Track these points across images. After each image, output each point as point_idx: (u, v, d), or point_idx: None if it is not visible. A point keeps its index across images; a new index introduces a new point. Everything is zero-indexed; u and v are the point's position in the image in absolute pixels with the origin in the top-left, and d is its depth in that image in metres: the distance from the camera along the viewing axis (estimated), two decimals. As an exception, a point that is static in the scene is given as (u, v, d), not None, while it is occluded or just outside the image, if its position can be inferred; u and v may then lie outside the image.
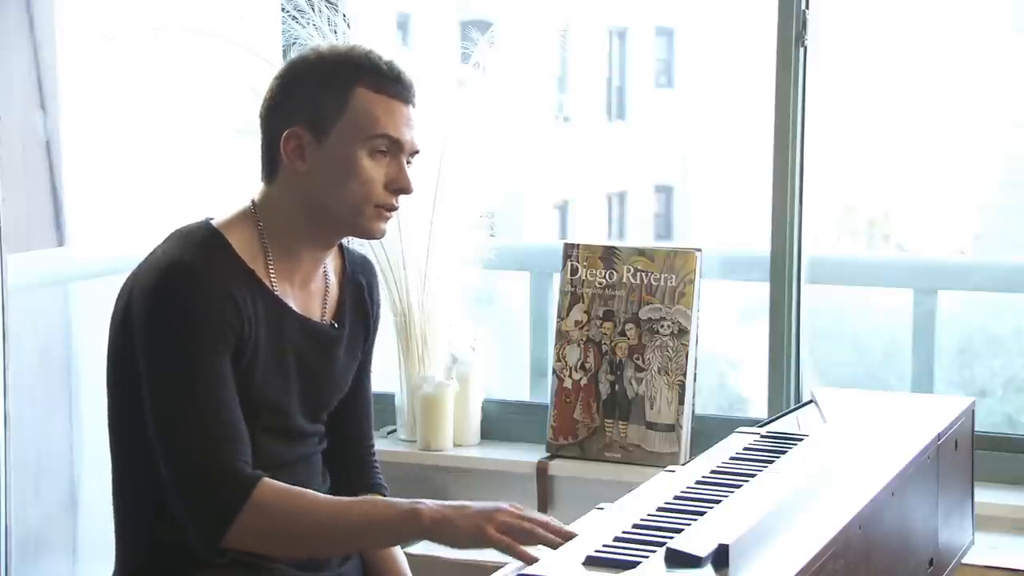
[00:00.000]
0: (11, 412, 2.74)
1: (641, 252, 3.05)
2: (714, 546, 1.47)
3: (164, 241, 2.01)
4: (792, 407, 2.51)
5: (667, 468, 1.93)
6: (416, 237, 3.14)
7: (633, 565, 1.48)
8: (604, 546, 1.56)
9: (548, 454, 3.10)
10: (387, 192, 2.00)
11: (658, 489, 1.81)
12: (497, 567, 1.75)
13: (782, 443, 2.02)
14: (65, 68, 3.09)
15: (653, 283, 3.02)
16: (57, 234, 3.12)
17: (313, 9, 3.09)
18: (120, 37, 3.16)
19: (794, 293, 3.01)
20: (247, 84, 3.06)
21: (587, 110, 11.27)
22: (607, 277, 3.06)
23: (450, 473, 3.17)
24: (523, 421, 3.23)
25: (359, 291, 2.17)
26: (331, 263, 2.14)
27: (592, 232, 12.27)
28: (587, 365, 3.07)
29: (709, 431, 2.85)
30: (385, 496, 2.23)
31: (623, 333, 3.04)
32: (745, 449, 2.00)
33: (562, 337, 3.10)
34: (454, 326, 3.23)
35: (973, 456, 2.25)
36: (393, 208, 2.02)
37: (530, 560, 1.74)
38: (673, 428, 2.99)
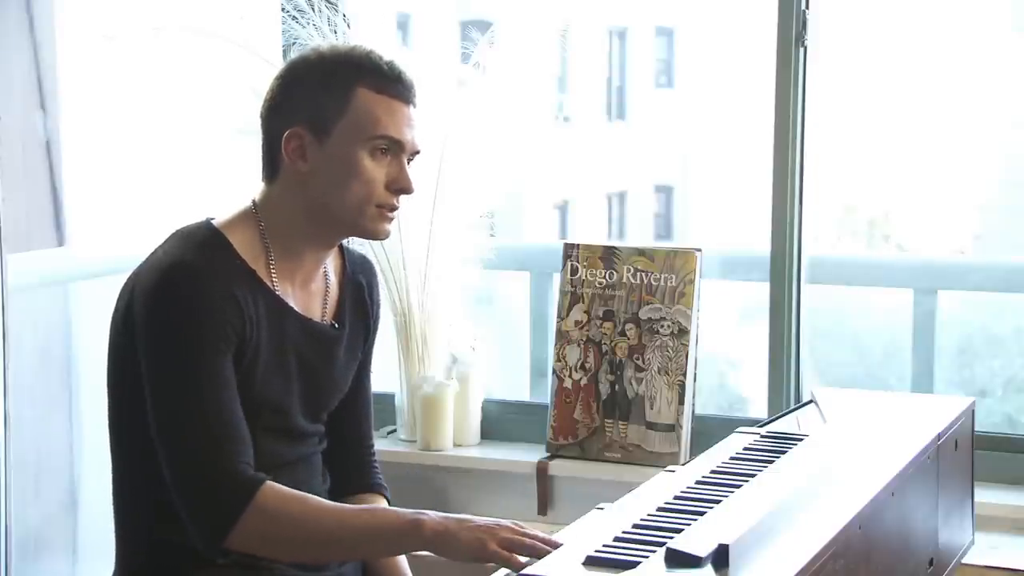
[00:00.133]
0: (11, 412, 2.73)
1: (641, 252, 3.05)
2: (714, 546, 1.47)
3: (165, 241, 2.01)
4: (792, 407, 2.51)
5: (667, 468, 1.93)
6: (416, 237, 3.14)
7: (633, 565, 1.48)
8: (604, 546, 1.56)
9: (548, 454, 3.10)
10: (388, 192, 2.00)
11: (658, 489, 1.81)
12: (499, 568, 1.75)
13: (782, 443, 2.02)
14: (65, 68, 3.09)
15: (653, 283, 3.02)
16: (57, 234, 3.12)
17: (313, 9, 3.09)
18: (120, 37, 3.16)
19: (794, 293, 3.01)
20: (247, 84, 3.06)
21: (587, 110, 11.27)
22: (607, 277, 3.06)
23: (450, 473, 3.17)
24: (523, 421, 3.23)
25: (359, 291, 2.17)
26: (331, 263, 2.14)
27: (592, 232, 12.27)
28: (587, 365, 3.07)
29: (709, 431, 2.85)
30: (386, 496, 2.23)
31: (623, 333, 3.04)
32: (745, 449, 2.00)
33: (562, 337, 3.10)
34: (454, 326, 3.23)
35: (973, 456, 2.25)
36: (394, 208, 2.02)
37: (518, 565, 1.75)
38: (673, 428, 2.99)
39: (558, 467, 3.07)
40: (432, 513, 1.86)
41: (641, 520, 1.66)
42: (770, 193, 3.00)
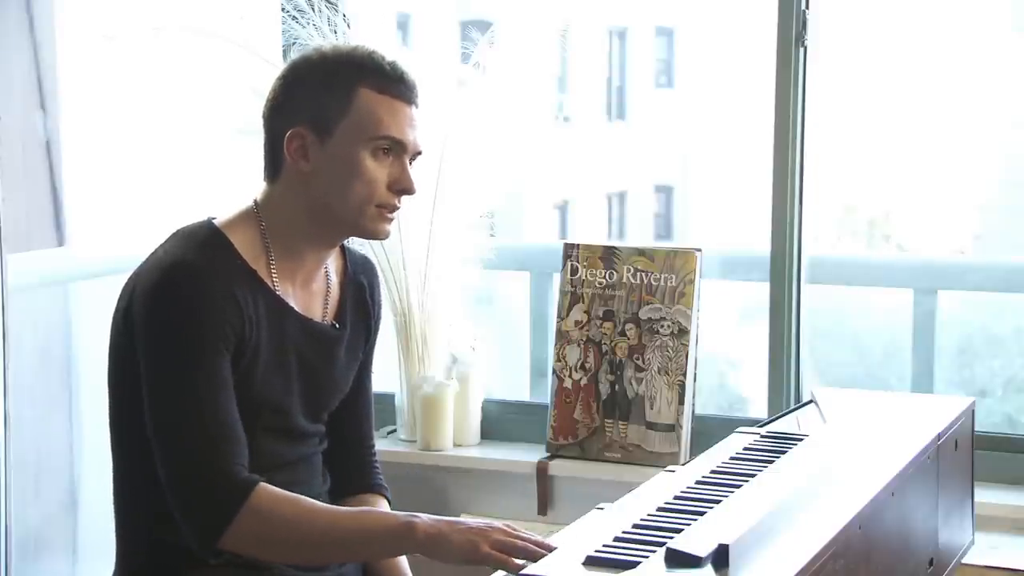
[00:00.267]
0: (11, 412, 2.73)
1: (641, 252, 3.05)
2: (714, 546, 1.47)
3: (166, 241, 2.01)
4: (792, 407, 2.51)
5: (667, 468, 1.93)
6: (416, 237, 3.14)
7: (633, 565, 1.48)
8: (604, 546, 1.56)
9: (548, 454, 3.10)
10: (390, 192, 2.00)
11: (658, 489, 1.81)
12: (499, 568, 1.75)
13: (782, 443, 2.02)
14: (65, 68, 3.09)
15: (653, 283, 3.02)
16: (57, 234, 3.12)
17: (313, 9, 3.09)
18: (120, 37, 3.16)
19: (794, 293, 3.01)
20: (247, 84, 3.06)
21: (587, 110, 11.27)
22: (607, 277, 3.06)
23: (450, 473, 3.17)
24: (523, 421, 3.23)
25: (360, 292, 2.17)
26: (333, 263, 2.14)
27: (592, 232, 12.27)
28: (587, 365, 3.07)
29: (709, 431, 2.85)
30: (386, 497, 2.23)
31: (623, 333, 3.04)
32: (745, 449, 2.00)
33: (562, 337, 3.10)
34: (454, 326, 3.23)
35: (973, 456, 2.25)
36: (395, 208, 2.02)
37: (514, 567, 1.75)
38: (673, 428, 2.99)
39: (558, 467, 3.07)
40: (424, 515, 1.86)
41: (641, 520, 1.66)
42: (770, 193, 3.00)
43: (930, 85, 9.41)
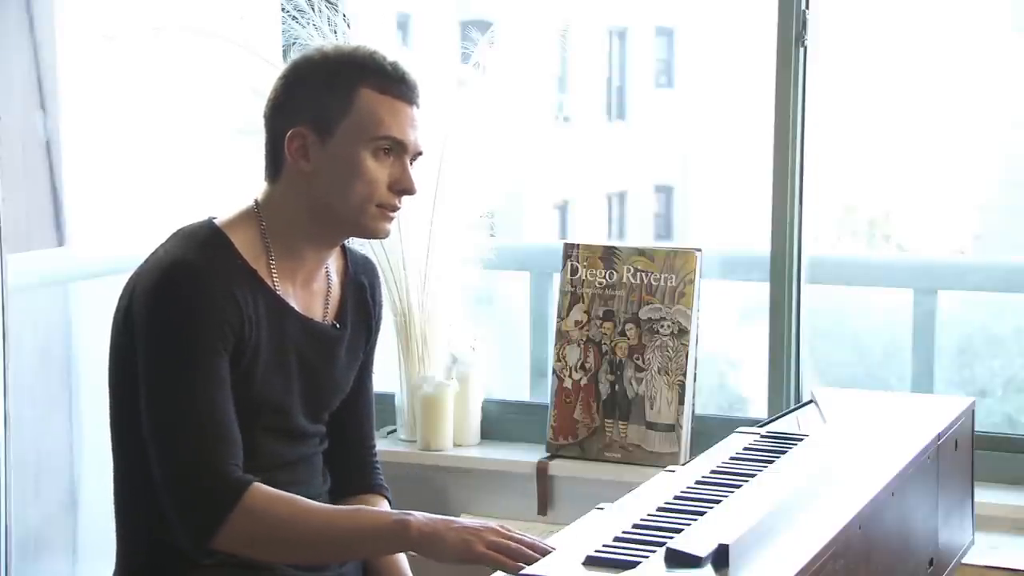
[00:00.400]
0: (11, 412, 2.73)
1: (641, 252, 3.05)
2: (714, 546, 1.47)
3: (167, 240, 2.01)
4: (792, 407, 2.51)
5: (667, 468, 1.93)
6: (416, 237, 3.14)
7: (633, 565, 1.48)
8: (604, 546, 1.56)
9: (548, 454, 3.10)
10: (390, 192, 2.01)
11: (658, 489, 1.81)
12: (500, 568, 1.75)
13: (782, 443, 2.02)
14: (65, 68, 3.09)
15: (653, 283, 3.02)
16: (57, 234, 3.12)
17: (313, 9, 3.09)
18: (120, 37, 3.16)
19: (794, 293, 3.01)
20: (247, 84, 3.06)
21: (587, 110, 11.27)
22: (607, 277, 3.06)
23: (450, 473, 3.16)
24: (523, 421, 3.23)
25: (361, 292, 2.17)
26: (333, 263, 2.14)
27: (592, 232, 12.27)
28: (587, 365, 3.07)
29: (709, 431, 2.85)
30: (387, 497, 2.23)
31: (623, 333, 3.04)
32: (745, 449, 2.00)
33: (562, 337, 3.10)
34: (454, 326, 3.23)
35: (973, 456, 2.25)
36: (396, 208, 2.02)
37: (513, 568, 1.75)
38: (673, 428, 2.99)
39: (558, 467, 3.07)
40: (419, 514, 1.86)
41: (641, 520, 1.66)
42: (770, 193, 3.00)
43: (930, 85, 9.41)
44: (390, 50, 2.09)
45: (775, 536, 1.56)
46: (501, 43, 3.10)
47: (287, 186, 2.02)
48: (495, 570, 1.79)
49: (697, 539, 1.51)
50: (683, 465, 2.00)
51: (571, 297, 3.09)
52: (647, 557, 1.50)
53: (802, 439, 2.04)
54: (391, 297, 3.13)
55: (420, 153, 2.05)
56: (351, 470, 2.21)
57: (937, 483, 2.03)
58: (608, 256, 3.07)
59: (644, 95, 12.20)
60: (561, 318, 3.10)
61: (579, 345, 3.08)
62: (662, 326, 3.00)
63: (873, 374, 8.26)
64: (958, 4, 9.73)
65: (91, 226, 3.17)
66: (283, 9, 3.17)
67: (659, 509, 1.71)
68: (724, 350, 8.39)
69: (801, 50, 2.96)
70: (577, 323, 3.08)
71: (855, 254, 7.64)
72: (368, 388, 2.23)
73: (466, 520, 1.86)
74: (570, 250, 3.10)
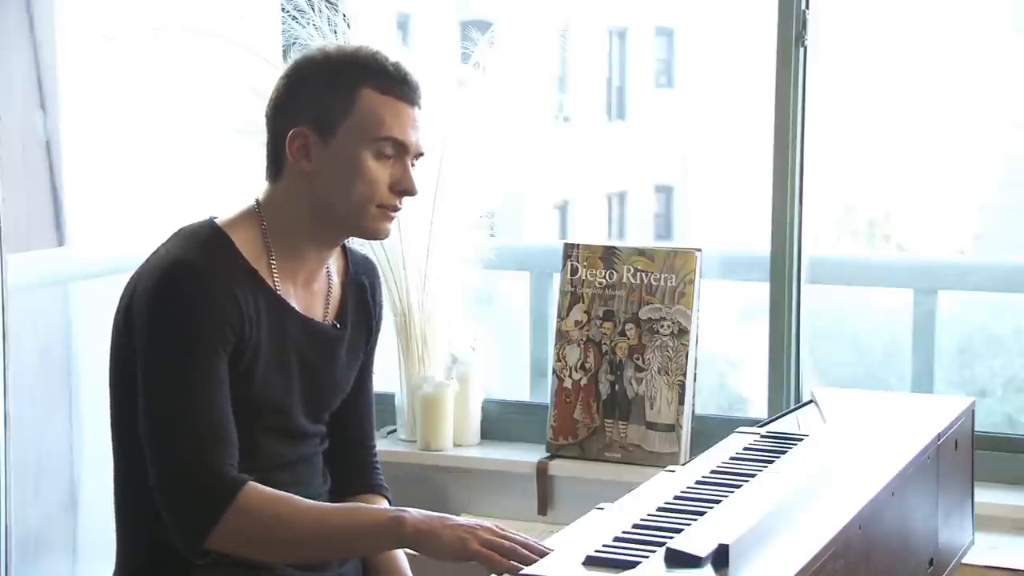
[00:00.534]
0: (11, 412, 2.73)
1: (641, 252, 3.05)
2: (714, 546, 1.47)
3: (168, 240, 2.01)
4: (792, 407, 2.51)
5: (667, 468, 1.93)
6: (416, 237, 3.14)
7: (633, 565, 1.48)
8: (604, 546, 1.56)
9: (548, 454, 3.10)
10: (391, 193, 2.00)
11: (658, 489, 1.81)
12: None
13: (782, 443, 2.02)
14: (65, 68, 3.09)
15: (653, 283, 3.02)
16: (57, 234, 3.12)
17: (313, 9, 3.09)
18: (120, 37, 3.16)
19: (794, 293, 3.01)
20: (247, 84, 3.06)
21: (587, 110, 11.27)
22: (607, 277, 3.06)
23: (450, 473, 3.16)
24: (523, 421, 3.23)
25: (362, 292, 2.17)
26: (334, 263, 2.14)
27: (592, 232, 12.27)
28: (587, 365, 3.07)
29: (709, 431, 2.85)
30: (387, 497, 2.23)
31: (623, 333, 3.04)
32: (745, 449, 2.00)
33: (562, 337, 3.10)
34: (454, 326, 3.23)
35: (973, 456, 2.25)
36: (396, 209, 2.02)
37: (514, 571, 1.76)
38: (673, 428, 2.99)
39: (558, 467, 3.07)
40: (414, 511, 1.86)
41: (641, 520, 1.66)
42: (770, 193, 3.00)
43: (930, 85, 9.41)
44: (391, 50, 2.09)
45: (775, 536, 1.56)
46: (501, 43, 3.10)
47: (288, 186, 2.02)
48: (492, 572, 1.79)
49: (697, 539, 1.51)
50: (683, 465, 2.00)
51: (571, 297, 3.09)
52: (647, 557, 1.50)
53: (802, 439, 2.04)
54: (391, 297, 3.13)
55: (421, 154, 2.05)
56: (351, 470, 2.21)
57: (937, 483, 2.03)
58: (608, 256, 3.07)
59: (644, 95, 12.20)
60: (561, 318, 3.10)
61: (579, 345, 3.08)
62: (662, 326, 3.00)
63: (873, 374, 8.26)
64: (958, 4, 9.73)
65: (91, 226, 3.17)
66: (283, 9, 3.17)
67: (659, 509, 1.71)
68: (724, 350, 8.39)
69: (801, 50, 2.96)
70: (577, 323, 3.08)
71: (855, 254, 7.64)
72: (368, 388, 2.23)
73: (462, 518, 1.86)
74: (570, 250, 3.10)
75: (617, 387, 3.04)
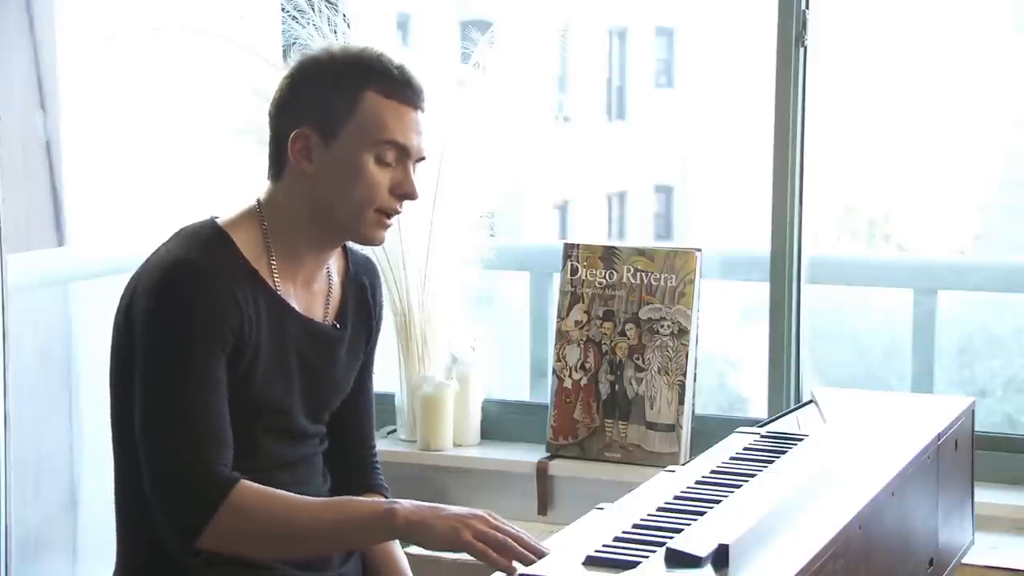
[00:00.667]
0: (11, 412, 2.73)
1: (641, 252, 3.05)
2: (714, 546, 1.47)
3: (169, 239, 2.01)
4: (792, 407, 2.51)
5: (667, 468, 1.93)
6: (416, 237, 3.14)
7: (633, 565, 1.48)
8: (604, 546, 1.56)
9: (548, 454, 3.10)
10: (392, 197, 2.00)
11: (658, 489, 1.81)
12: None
13: (782, 443, 2.02)
14: (65, 68, 3.09)
15: (653, 283, 3.02)
16: (57, 234, 3.12)
17: (313, 9, 3.09)
18: (120, 37, 3.16)
19: (794, 293, 3.01)
20: (247, 84, 3.06)
21: (587, 110, 11.27)
22: (607, 277, 3.06)
23: (450, 473, 3.17)
24: (523, 421, 3.23)
25: (362, 292, 2.17)
26: (334, 264, 2.14)
27: (592, 232, 12.27)
28: (587, 365, 3.07)
29: (709, 431, 2.85)
30: (387, 497, 2.23)
31: (623, 333, 3.04)
32: (745, 449, 2.00)
33: (562, 337, 3.10)
34: (454, 326, 3.23)
35: (973, 456, 2.25)
36: (396, 213, 2.02)
37: (504, 567, 1.78)
38: (673, 428, 2.99)
39: (558, 467, 3.07)
40: (406, 502, 1.87)
41: (641, 520, 1.66)
42: (770, 193, 3.00)
43: (930, 85, 9.41)
44: (395, 52, 2.08)
45: (775, 536, 1.56)
46: (501, 43, 3.10)
47: (289, 186, 2.02)
48: (493, 570, 1.79)
49: (697, 539, 1.51)
50: (683, 465, 2.00)
51: (571, 297, 3.09)
52: (647, 557, 1.50)
53: (802, 439, 2.03)
54: (391, 297, 3.13)
55: (423, 158, 2.04)
56: (351, 470, 2.21)
57: (937, 483, 2.03)
58: (608, 256, 3.07)
59: (644, 95, 12.21)
60: (561, 318, 3.10)
61: (579, 345, 3.08)
62: (662, 326, 3.00)
63: (873, 374, 8.26)
64: (958, 4, 9.74)
65: (91, 226, 3.17)
66: (283, 9, 3.17)
67: (659, 509, 1.71)
68: (724, 350, 8.39)
69: (801, 50, 2.96)
70: (577, 323, 3.08)
71: (855, 254, 7.64)
72: (368, 388, 2.23)
73: (455, 508, 1.86)
74: (570, 250, 3.10)
75: (617, 387, 3.04)
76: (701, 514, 1.66)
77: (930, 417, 2.10)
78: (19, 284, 2.81)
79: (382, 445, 2.75)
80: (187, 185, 3.23)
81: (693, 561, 1.47)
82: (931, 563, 2.02)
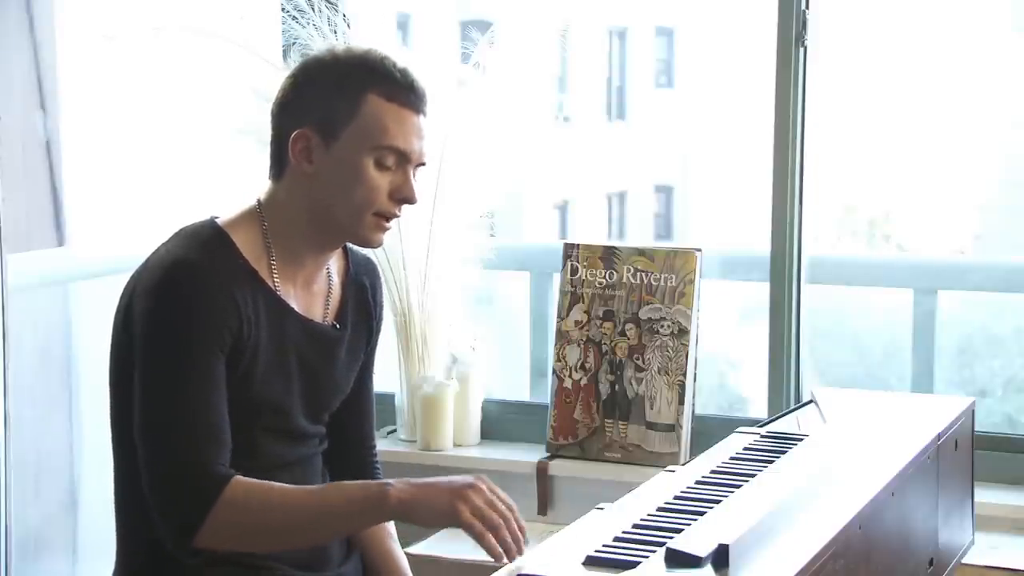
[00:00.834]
0: (11, 412, 2.73)
1: (641, 252, 3.05)
2: (714, 546, 1.47)
3: (169, 239, 2.01)
4: (792, 407, 2.51)
5: (667, 468, 1.93)
6: (416, 237, 3.14)
7: (633, 565, 1.48)
8: (604, 546, 1.56)
9: (548, 454, 3.10)
10: (391, 201, 2.00)
11: (658, 489, 1.81)
12: (498, 567, 1.75)
13: (782, 443, 2.02)
14: (65, 68, 3.09)
15: (653, 283, 3.02)
16: (57, 234, 3.12)
17: (313, 9, 3.09)
18: (120, 37, 3.16)
19: (794, 293, 3.01)
20: (247, 84, 3.06)
21: (587, 110, 11.27)
22: (607, 277, 3.06)
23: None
24: (523, 421, 3.23)
25: (362, 292, 2.17)
26: (334, 264, 2.14)
27: (592, 232, 12.27)
28: (587, 365, 3.07)
29: (709, 431, 2.85)
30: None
31: (623, 333, 3.04)
32: (745, 449, 2.00)
33: (562, 337, 3.10)
34: (454, 326, 3.23)
35: (973, 456, 2.25)
36: (394, 216, 2.02)
37: (498, 556, 1.79)
38: (673, 428, 2.99)
39: (558, 467, 3.07)
40: (397, 482, 1.86)
41: (641, 520, 1.66)
42: (770, 193, 3.00)
43: (930, 85, 9.41)
44: (399, 55, 2.07)
45: (775, 536, 1.56)
46: (501, 43, 3.10)
47: (289, 186, 2.01)
48: (492, 570, 1.79)
49: (697, 539, 1.51)
50: (683, 465, 2.00)
51: (571, 297, 3.09)
52: (647, 557, 1.50)
53: (802, 439, 2.04)
54: (391, 297, 3.13)
55: (423, 163, 2.04)
56: (351, 470, 2.20)
57: (937, 483, 2.03)
58: (608, 256, 3.07)
59: (644, 95, 12.20)
60: (561, 318, 3.10)
61: (579, 345, 3.08)
62: (662, 326, 3.00)
63: (873, 374, 8.26)
64: (958, 4, 9.74)
65: (91, 226, 3.17)
66: (283, 9, 3.17)
67: (659, 509, 1.71)
68: (724, 350, 8.39)
69: (801, 50, 2.96)
70: (577, 323, 3.08)
71: (855, 254, 7.64)
72: (368, 388, 2.23)
73: (445, 480, 1.85)
74: (570, 250, 3.10)
75: (617, 387, 3.04)
76: (701, 514, 1.66)
77: (930, 417, 2.10)
78: (19, 284, 2.81)
79: (382, 445, 2.75)
80: (187, 185, 3.23)
81: (693, 561, 1.47)
82: (931, 563, 2.02)
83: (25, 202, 3.01)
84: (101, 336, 2.05)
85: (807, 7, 2.94)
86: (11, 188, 2.84)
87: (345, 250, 2.17)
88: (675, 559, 1.48)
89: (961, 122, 9.43)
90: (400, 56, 2.05)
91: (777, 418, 2.26)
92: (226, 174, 3.14)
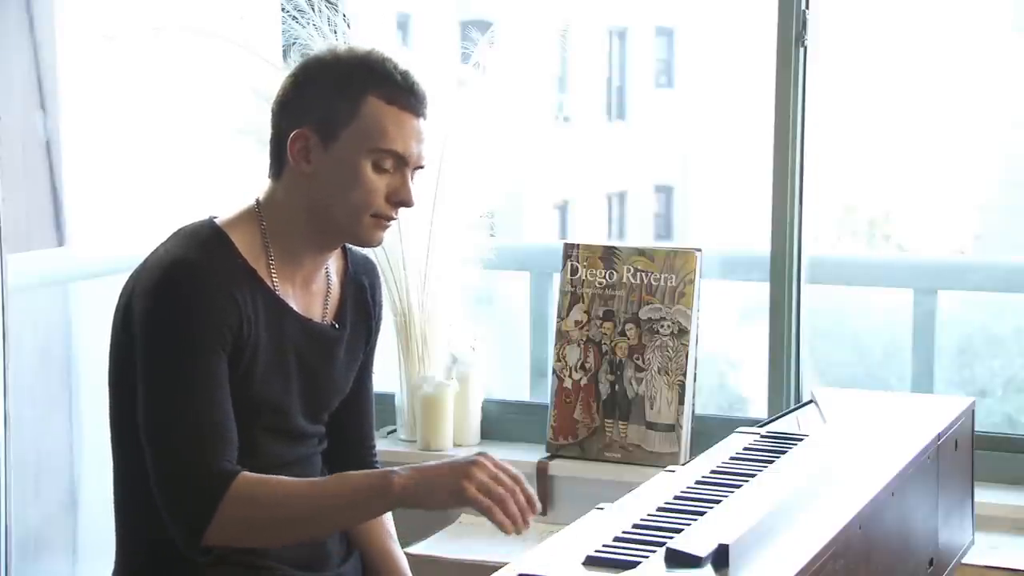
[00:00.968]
0: (11, 412, 2.74)
1: (641, 252, 3.05)
2: (714, 546, 1.47)
3: (168, 239, 2.01)
4: (792, 407, 2.51)
5: (667, 468, 1.93)
6: (416, 237, 3.14)
7: (633, 565, 1.48)
8: (604, 546, 1.56)
9: (548, 454, 3.10)
10: (388, 203, 1.99)
11: (658, 489, 1.81)
12: (498, 566, 1.75)
13: (782, 443, 2.02)
14: (65, 68, 3.09)
15: (653, 283, 3.02)
16: (57, 234, 3.12)
17: (313, 9, 3.09)
18: (120, 37, 3.16)
19: (794, 293, 3.01)
20: (247, 84, 3.06)
21: (587, 110, 11.27)
22: (607, 277, 3.06)
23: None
24: (523, 421, 3.23)
25: (361, 292, 2.17)
26: (333, 264, 2.14)
27: (592, 232, 12.27)
28: (587, 365, 3.07)
29: (709, 431, 2.85)
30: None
31: (623, 333, 3.04)
32: (745, 449, 2.00)
33: (562, 337, 3.10)
34: (454, 326, 3.23)
35: (973, 456, 2.25)
36: (391, 219, 2.01)
37: (508, 529, 1.79)
38: (673, 428, 2.99)
39: (558, 467, 3.07)
40: (400, 469, 1.86)
41: (641, 520, 1.66)
42: (770, 193, 3.00)
43: (930, 85, 9.41)
44: (400, 56, 2.06)
45: (775, 536, 1.56)
46: (501, 43, 3.10)
47: (288, 186, 2.01)
48: (493, 569, 1.79)
49: (697, 539, 1.51)
50: (683, 465, 2.00)
51: (571, 297, 3.09)
52: (647, 557, 1.50)
53: (802, 439, 2.04)
54: (391, 297, 3.13)
55: (422, 166, 2.03)
56: (351, 470, 2.20)
57: (937, 483, 2.03)
58: (608, 256, 3.07)
59: (644, 95, 12.21)
60: (561, 318, 3.11)
61: (579, 345, 3.08)
62: (662, 326, 3.00)
63: (873, 374, 8.26)
64: (958, 4, 9.74)
65: (91, 226, 3.17)
66: (283, 9, 3.17)
67: (659, 509, 1.71)
68: (724, 350, 8.39)
69: (801, 50, 2.96)
70: (577, 323, 3.08)
71: (855, 254, 7.64)
72: (368, 388, 2.23)
73: (448, 461, 1.85)
74: (570, 250, 3.10)
75: (617, 387, 3.04)
76: (701, 514, 1.66)
77: (930, 417, 2.10)
78: (19, 284, 2.81)
79: (382, 445, 2.75)
80: (187, 185, 3.23)
81: (693, 561, 1.47)
82: (931, 563, 2.02)
83: (25, 202, 3.01)
84: (101, 336, 2.05)
85: (807, 7, 2.94)
86: (11, 188, 2.84)
87: (344, 250, 2.17)
88: (675, 559, 1.48)
89: (961, 122, 9.43)
90: (401, 57, 2.04)
91: (777, 418, 2.26)
92: (226, 174, 3.14)
